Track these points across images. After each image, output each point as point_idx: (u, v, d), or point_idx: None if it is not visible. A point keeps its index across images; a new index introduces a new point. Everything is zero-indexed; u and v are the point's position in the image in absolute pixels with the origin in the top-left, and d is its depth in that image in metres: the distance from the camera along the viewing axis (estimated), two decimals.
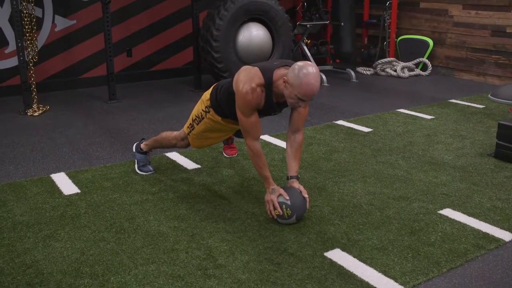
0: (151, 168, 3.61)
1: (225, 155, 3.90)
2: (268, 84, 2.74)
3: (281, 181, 3.36)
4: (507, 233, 2.76)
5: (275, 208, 2.80)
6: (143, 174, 3.56)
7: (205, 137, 3.26)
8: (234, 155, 3.85)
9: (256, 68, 2.78)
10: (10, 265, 2.44)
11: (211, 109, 3.09)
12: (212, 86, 3.16)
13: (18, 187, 3.35)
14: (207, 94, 3.15)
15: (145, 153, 3.60)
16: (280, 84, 2.71)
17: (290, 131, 2.99)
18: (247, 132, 2.85)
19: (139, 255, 2.54)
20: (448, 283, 2.32)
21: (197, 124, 3.20)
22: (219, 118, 3.09)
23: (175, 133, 3.43)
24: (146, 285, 2.28)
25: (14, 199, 3.17)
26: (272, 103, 2.82)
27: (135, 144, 3.67)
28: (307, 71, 2.57)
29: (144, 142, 3.59)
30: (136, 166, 3.63)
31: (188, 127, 3.28)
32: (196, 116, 3.19)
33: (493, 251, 2.59)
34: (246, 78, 2.75)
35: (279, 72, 2.73)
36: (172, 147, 3.49)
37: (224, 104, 3.00)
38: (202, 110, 3.14)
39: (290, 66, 2.72)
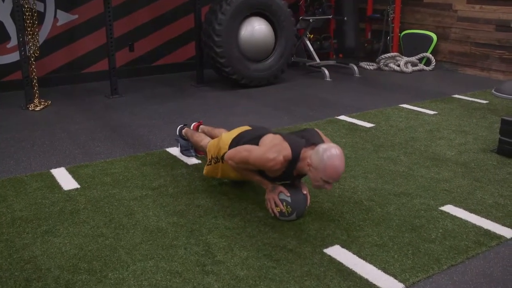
0: (192, 153, 3.77)
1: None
2: (293, 161, 2.71)
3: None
4: (509, 230, 2.74)
5: (276, 205, 2.78)
6: (185, 157, 3.78)
7: (217, 175, 3.19)
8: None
9: (287, 144, 2.72)
10: (8, 261, 2.44)
11: None
12: (232, 138, 3.05)
13: (18, 182, 3.34)
14: (225, 143, 3.05)
15: (187, 139, 3.73)
16: (304, 165, 2.69)
17: None
18: (237, 162, 2.82)
19: (138, 251, 2.53)
20: (448, 280, 2.31)
21: (215, 163, 3.15)
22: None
23: (203, 143, 3.43)
24: (144, 281, 2.28)
25: (13, 194, 3.16)
26: (291, 175, 2.80)
27: (178, 128, 3.81)
28: (331, 153, 2.56)
29: (184, 130, 3.72)
30: (179, 149, 3.83)
31: (209, 158, 3.22)
32: (215, 157, 3.14)
33: (494, 248, 2.57)
34: (277, 147, 2.70)
35: (306, 153, 2.70)
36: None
37: None
38: (220, 157, 3.08)
39: (315, 145, 2.68)
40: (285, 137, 2.80)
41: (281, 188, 2.80)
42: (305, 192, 2.85)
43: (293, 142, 2.75)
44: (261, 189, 3.14)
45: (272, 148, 2.70)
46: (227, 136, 3.11)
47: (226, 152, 2.98)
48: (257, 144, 2.83)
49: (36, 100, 5.27)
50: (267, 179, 2.87)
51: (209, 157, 3.22)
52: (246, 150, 2.80)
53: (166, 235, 2.68)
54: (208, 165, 3.23)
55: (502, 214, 2.91)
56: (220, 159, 3.09)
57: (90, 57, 6.37)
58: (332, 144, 2.66)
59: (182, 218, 2.85)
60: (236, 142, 3.00)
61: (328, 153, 2.57)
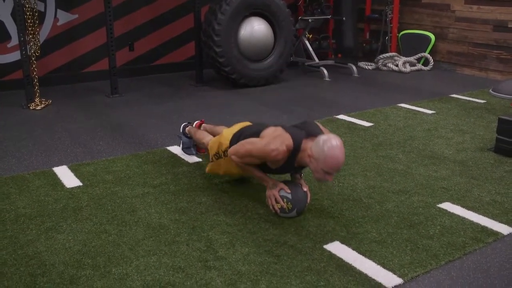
0: (193, 151, 3.81)
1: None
2: (295, 152, 2.75)
3: (281, 175, 3.39)
4: (506, 226, 2.78)
5: (277, 202, 2.82)
6: (186, 155, 3.83)
7: (220, 171, 3.23)
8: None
9: (288, 135, 2.77)
10: (13, 257, 2.47)
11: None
12: (233, 133, 3.10)
13: (21, 180, 3.38)
14: (226, 139, 3.10)
15: (190, 137, 3.77)
16: (305, 157, 2.73)
17: None
18: (241, 157, 2.86)
19: (140, 247, 2.56)
20: (446, 276, 2.35)
21: (217, 159, 3.19)
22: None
23: (205, 140, 3.48)
24: (147, 276, 2.31)
25: (16, 192, 3.20)
26: (292, 166, 2.84)
27: (182, 126, 3.85)
28: (331, 144, 2.60)
29: (187, 128, 3.76)
30: (180, 146, 3.87)
31: (211, 156, 3.25)
32: (217, 153, 3.18)
33: (491, 244, 2.62)
34: (279, 138, 2.74)
35: (307, 144, 2.74)
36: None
37: None
38: (222, 151, 3.12)
39: (315, 136, 2.72)
40: (286, 128, 2.85)
41: (282, 185, 2.84)
42: (305, 189, 2.89)
43: (294, 133, 2.80)
44: (261, 187, 3.18)
45: (274, 139, 2.75)
46: (228, 131, 3.16)
47: (228, 147, 3.03)
48: (258, 137, 2.87)
49: (37, 99, 5.29)
50: (269, 171, 2.92)
51: (211, 154, 3.25)
52: (249, 143, 2.84)
53: (168, 231, 2.71)
54: (210, 162, 3.27)
55: (499, 211, 2.96)
56: (221, 154, 3.13)
57: (90, 56, 6.40)
58: (332, 135, 2.68)
59: (183, 215, 2.89)
60: (237, 137, 3.04)
61: (329, 144, 2.61)
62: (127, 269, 2.37)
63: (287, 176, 3.10)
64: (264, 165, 2.87)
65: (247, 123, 3.21)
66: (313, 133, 2.79)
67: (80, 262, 2.43)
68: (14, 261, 2.43)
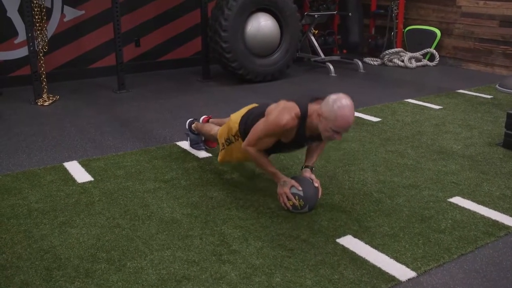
0: (202, 147, 3.83)
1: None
2: (303, 117, 2.74)
3: (291, 170, 3.40)
4: None
5: (289, 200, 2.83)
6: (196, 151, 3.84)
7: (233, 157, 3.23)
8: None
9: (293, 102, 2.77)
10: (28, 251, 2.49)
11: (239, 138, 3.07)
12: (241, 116, 3.10)
13: (32, 175, 3.40)
14: (235, 122, 3.10)
15: (197, 133, 3.78)
16: (314, 118, 2.71)
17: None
18: (255, 144, 2.86)
19: (154, 241, 2.58)
20: (459, 269, 2.36)
21: (228, 145, 3.18)
22: None
23: (213, 132, 3.48)
24: (162, 270, 2.33)
25: (28, 187, 3.22)
26: (303, 136, 2.82)
27: (187, 122, 3.84)
28: (341, 103, 2.58)
29: (193, 125, 3.76)
30: (188, 143, 3.88)
31: (221, 143, 3.25)
32: (227, 138, 3.18)
33: (503, 238, 2.63)
34: (285, 108, 2.75)
35: (313, 107, 2.73)
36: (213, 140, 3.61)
37: None
38: (232, 135, 3.12)
39: (322, 100, 2.71)
40: (289, 98, 2.85)
41: (293, 182, 2.85)
42: (316, 184, 2.90)
43: (298, 100, 2.80)
44: (272, 181, 3.19)
45: (281, 111, 2.74)
46: (235, 115, 3.16)
47: (237, 130, 3.05)
48: (263, 109, 2.88)
49: (44, 95, 5.31)
50: (284, 148, 2.93)
51: (221, 141, 3.25)
52: (258, 125, 2.85)
53: (181, 225, 2.73)
54: (221, 149, 3.26)
55: (510, 206, 2.97)
56: (232, 139, 3.13)
57: (97, 52, 6.41)
58: (341, 94, 2.65)
59: (196, 210, 2.91)
60: (245, 119, 3.05)
61: (339, 103, 2.58)
62: (141, 263, 2.39)
63: (298, 172, 3.11)
64: (278, 143, 2.85)
65: (254, 105, 3.22)
66: (317, 97, 2.78)
67: (94, 256, 2.45)
68: (30, 255, 2.45)
